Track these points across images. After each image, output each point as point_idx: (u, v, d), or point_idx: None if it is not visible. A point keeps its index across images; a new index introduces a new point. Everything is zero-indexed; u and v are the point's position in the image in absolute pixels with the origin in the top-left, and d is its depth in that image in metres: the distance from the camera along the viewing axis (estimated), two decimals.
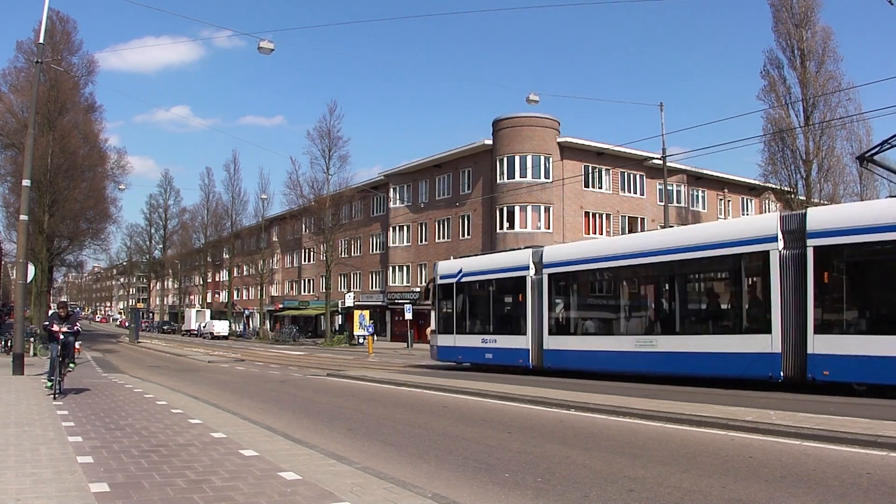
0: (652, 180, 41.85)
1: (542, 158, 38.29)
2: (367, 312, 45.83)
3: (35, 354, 22.89)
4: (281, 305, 63.85)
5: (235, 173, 68.08)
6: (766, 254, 12.55)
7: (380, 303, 48.05)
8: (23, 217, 16.34)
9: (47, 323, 11.86)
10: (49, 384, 11.38)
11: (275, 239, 66.55)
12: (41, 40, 17.96)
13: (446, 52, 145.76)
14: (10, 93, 31.78)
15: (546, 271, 17.65)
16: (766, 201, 47.49)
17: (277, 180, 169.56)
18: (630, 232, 41.77)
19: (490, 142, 39.85)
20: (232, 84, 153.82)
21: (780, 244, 12.41)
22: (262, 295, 63.22)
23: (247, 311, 69.77)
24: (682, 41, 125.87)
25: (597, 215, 40.11)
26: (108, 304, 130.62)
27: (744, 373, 12.72)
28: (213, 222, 66.95)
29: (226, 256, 68.22)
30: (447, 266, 21.50)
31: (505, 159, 38.78)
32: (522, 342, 17.99)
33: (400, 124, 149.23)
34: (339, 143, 46.37)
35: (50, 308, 42.02)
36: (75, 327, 11.75)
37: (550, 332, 17.46)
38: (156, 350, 37.19)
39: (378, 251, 50.76)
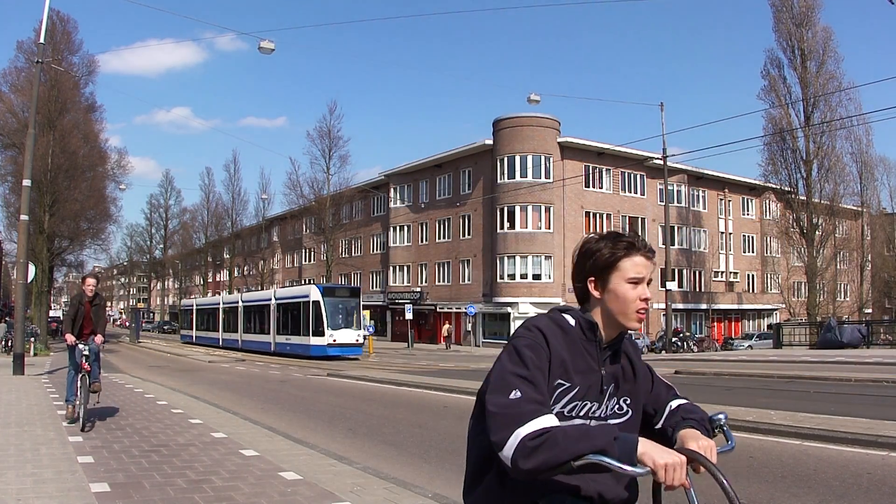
0: (652, 180, 41.82)
1: (543, 158, 38.27)
2: (367, 312, 45.73)
3: (35, 354, 22.92)
4: None
5: (236, 173, 67.88)
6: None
7: (380, 303, 48.03)
8: (23, 217, 16.33)
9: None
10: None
11: (275, 239, 66.54)
12: (42, 40, 17.90)
13: (447, 51, 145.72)
14: (10, 93, 31.68)
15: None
16: (767, 201, 47.46)
17: (278, 180, 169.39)
18: (630, 230, 41.55)
19: (490, 142, 39.81)
20: (233, 86, 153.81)
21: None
22: None
23: None
24: (683, 41, 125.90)
25: (597, 215, 40.09)
26: (109, 304, 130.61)
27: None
28: (213, 222, 66.92)
29: (226, 256, 68.16)
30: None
31: (505, 159, 38.75)
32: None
33: (400, 124, 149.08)
34: (339, 143, 46.38)
35: (52, 307, 40.50)
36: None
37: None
38: (156, 350, 37.19)
39: (379, 251, 50.77)
